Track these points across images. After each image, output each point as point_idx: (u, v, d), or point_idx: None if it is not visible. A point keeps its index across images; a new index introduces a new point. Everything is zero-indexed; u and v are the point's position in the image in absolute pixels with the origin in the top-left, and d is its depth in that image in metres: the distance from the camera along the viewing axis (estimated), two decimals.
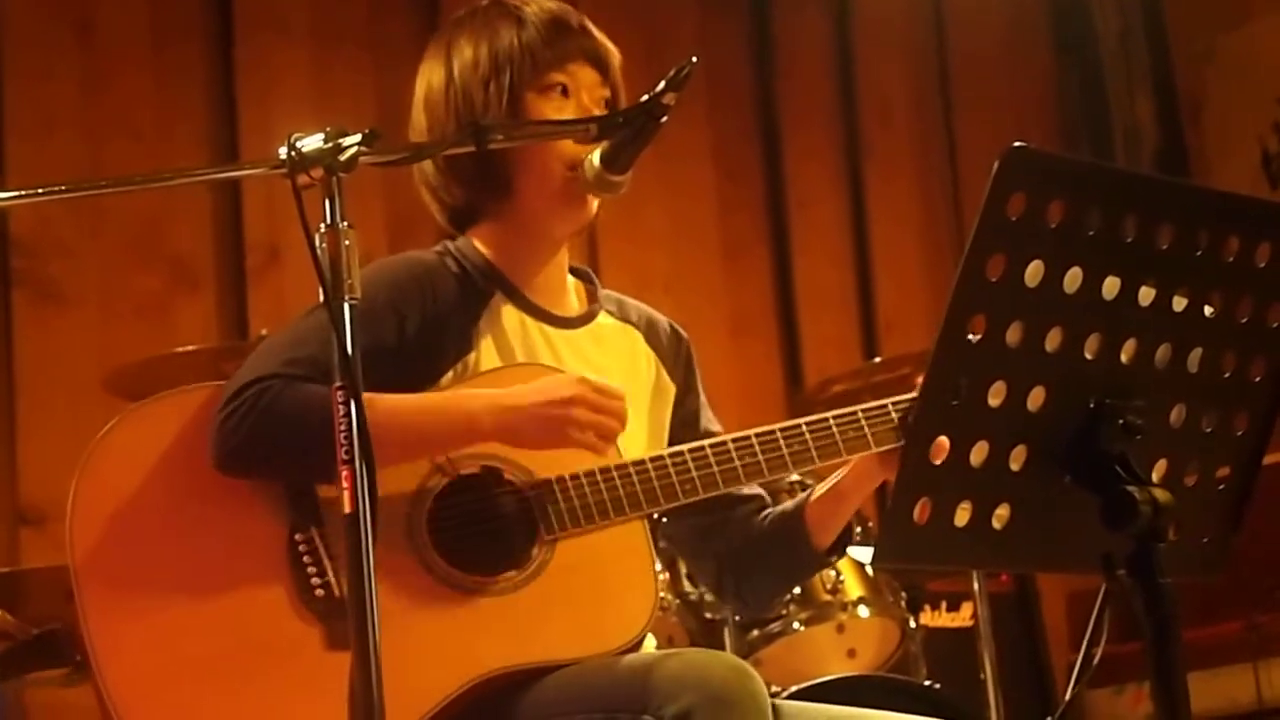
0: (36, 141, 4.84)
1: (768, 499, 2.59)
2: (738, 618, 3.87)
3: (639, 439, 2.44)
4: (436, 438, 2.30)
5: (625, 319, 2.58)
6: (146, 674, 2.19)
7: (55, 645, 3.08)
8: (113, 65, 5.00)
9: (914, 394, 2.39)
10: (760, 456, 2.38)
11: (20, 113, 4.84)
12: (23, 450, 4.69)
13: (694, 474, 2.36)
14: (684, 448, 2.38)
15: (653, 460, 2.36)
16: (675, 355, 2.60)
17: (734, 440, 2.38)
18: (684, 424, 2.56)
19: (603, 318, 2.55)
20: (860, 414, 2.41)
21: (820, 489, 2.49)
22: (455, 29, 2.51)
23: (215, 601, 2.22)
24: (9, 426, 4.70)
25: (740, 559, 2.54)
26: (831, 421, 2.40)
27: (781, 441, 2.39)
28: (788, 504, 2.54)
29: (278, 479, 2.28)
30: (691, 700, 2.10)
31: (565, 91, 2.45)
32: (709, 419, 2.59)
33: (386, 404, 2.23)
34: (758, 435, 2.39)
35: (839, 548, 2.52)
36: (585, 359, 2.47)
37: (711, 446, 2.38)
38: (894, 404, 2.41)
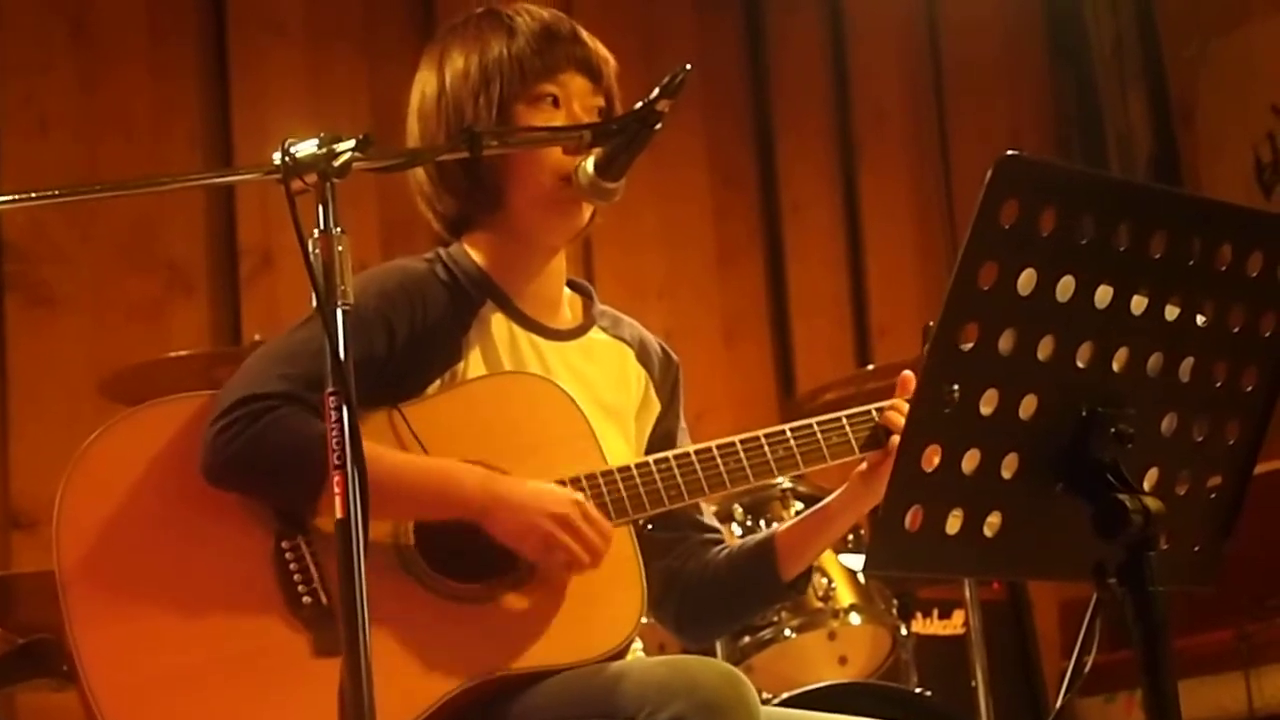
0: (30, 140, 4.84)
1: (724, 536, 2.58)
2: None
3: (623, 456, 2.43)
4: (420, 504, 2.30)
5: (619, 336, 2.57)
6: (133, 682, 2.19)
7: (42, 655, 3.07)
8: (107, 64, 5.00)
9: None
10: (745, 462, 2.39)
11: (14, 111, 4.84)
12: (15, 454, 4.69)
13: (679, 480, 2.37)
14: (669, 454, 2.39)
15: (638, 467, 2.36)
16: (664, 376, 2.60)
17: (719, 446, 2.39)
18: (658, 442, 2.55)
19: (595, 332, 2.55)
20: (845, 419, 2.42)
21: (791, 522, 2.50)
22: (449, 37, 2.50)
23: (202, 610, 2.22)
24: (2, 430, 4.70)
25: (689, 584, 2.53)
26: (815, 427, 2.41)
27: (766, 447, 2.40)
28: (755, 535, 2.54)
29: (261, 497, 2.27)
30: (682, 707, 2.10)
31: (556, 102, 2.44)
32: (685, 443, 2.56)
33: (375, 459, 2.22)
34: (743, 441, 2.40)
35: (801, 583, 2.52)
36: (574, 371, 2.46)
37: (697, 453, 2.39)
38: (877, 409, 2.42)
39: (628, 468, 2.36)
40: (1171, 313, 1.92)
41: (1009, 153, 1.78)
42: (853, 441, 2.41)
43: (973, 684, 4.09)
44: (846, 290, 6.11)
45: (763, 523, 3.81)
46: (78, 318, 4.82)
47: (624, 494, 2.34)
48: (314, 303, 1.95)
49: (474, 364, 2.40)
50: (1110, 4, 6.63)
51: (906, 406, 2.26)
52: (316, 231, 1.96)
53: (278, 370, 2.28)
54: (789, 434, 2.41)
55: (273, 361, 2.30)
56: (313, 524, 2.27)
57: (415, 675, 2.21)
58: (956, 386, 1.82)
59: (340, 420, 1.90)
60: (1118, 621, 1.91)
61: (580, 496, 2.31)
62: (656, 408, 2.57)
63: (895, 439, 2.32)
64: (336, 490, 1.89)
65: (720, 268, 5.89)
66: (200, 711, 2.20)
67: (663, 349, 2.62)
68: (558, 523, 2.27)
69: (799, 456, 2.40)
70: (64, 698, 3.08)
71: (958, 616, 4.79)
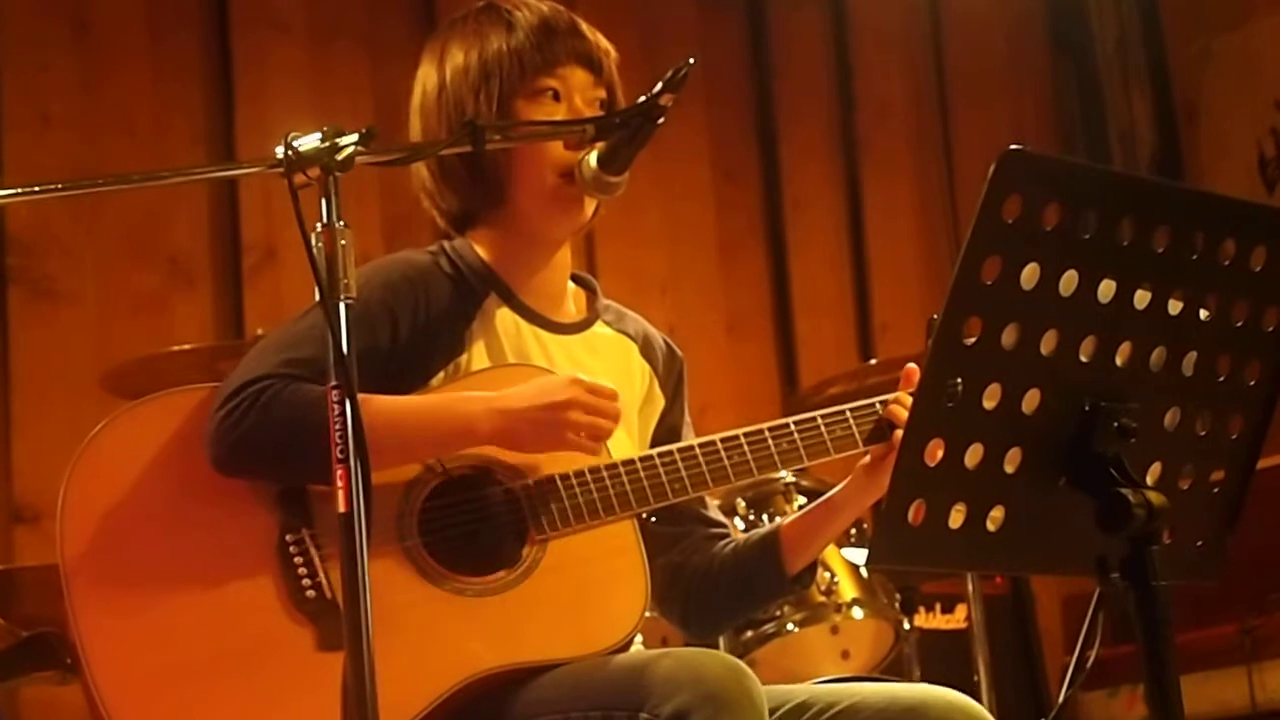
0: (33, 137, 4.84)
1: (730, 530, 2.59)
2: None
3: (628, 450, 2.43)
4: (433, 441, 2.30)
5: (623, 330, 2.58)
6: (137, 675, 2.18)
7: (45, 648, 3.07)
8: (109, 61, 5.01)
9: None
10: (749, 455, 2.39)
11: (17, 108, 4.85)
12: (18, 447, 4.69)
13: (683, 473, 2.37)
14: (673, 447, 2.39)
15: (642, 460, 2.37)
16: (669, 371, 2.60)
17: (723, 439, 2.39)
18: (663, 437, 2.55)
19: (599, 326, 2.55)
20: (848, 412, 2.42)
21: (795, 516, 2.50)
22: (449, 32, 2.51)
23: (206, 602, 2.22)
24: (4, 424, 4.70)
25: (694, 579, 2.54)
26: (819, 420, 2.41)
27: (770, 440, 2.40)
28: (759, 529, 2.54)
29: (274, 478, 2.27)
30: (687, 699, 2.10)
31: (556, 96, 2.44)
32: (690, 438, 2.56)
33: (382, 406, 2.23)
34: (746, 434, 2.40)
35: (806, 577, 2.52)
36: (578, 364, 2.46)
37: (700, 446, 2.39)
38: (881, 403, 2.42)
39: (632, 461, 2.36)
40: (1175, 307, 1.92)
41: (1012, 147, 1.77)
42: (856, 435, 2.41)
43: (975, 679, 4.09)
44: (849, 286, 6.12)
45: (766, 517, 3.82)
46: (81, 311, 4.83)
47: (628, 487, 2.34)
48: (317, 297, 1.95)
49: (477, 356, 2.40)
50: (1113, 1, 6.63)
51: (910, 400, 2.26)
52: (319, 225, 1.96)
53: (281, 356, 2.28)
54: (792, 427, 2.41)
55: (276, 349, 2.31)
56: (317, 516, 2.27)
57: (419, 669, 2.21)
58: (960, 380, 1.82)
59: (343, 414, 1.91)
60: (1120, 616, 1.91)
61: (575, 374, 2.32)
62: (660, 402, 2.57)
63: (899, 433, 2.32)
64: (340, 484, 1.89)
65: (723, 263, 5.90)
66: (204, 704, 2.19)
67: (666, 344, 2.62)
68: (568, 407, 2.28)
69: (802, 450, 2.41)
70: (67, 691, 3.08)
71: (960, 611, 4.79)
